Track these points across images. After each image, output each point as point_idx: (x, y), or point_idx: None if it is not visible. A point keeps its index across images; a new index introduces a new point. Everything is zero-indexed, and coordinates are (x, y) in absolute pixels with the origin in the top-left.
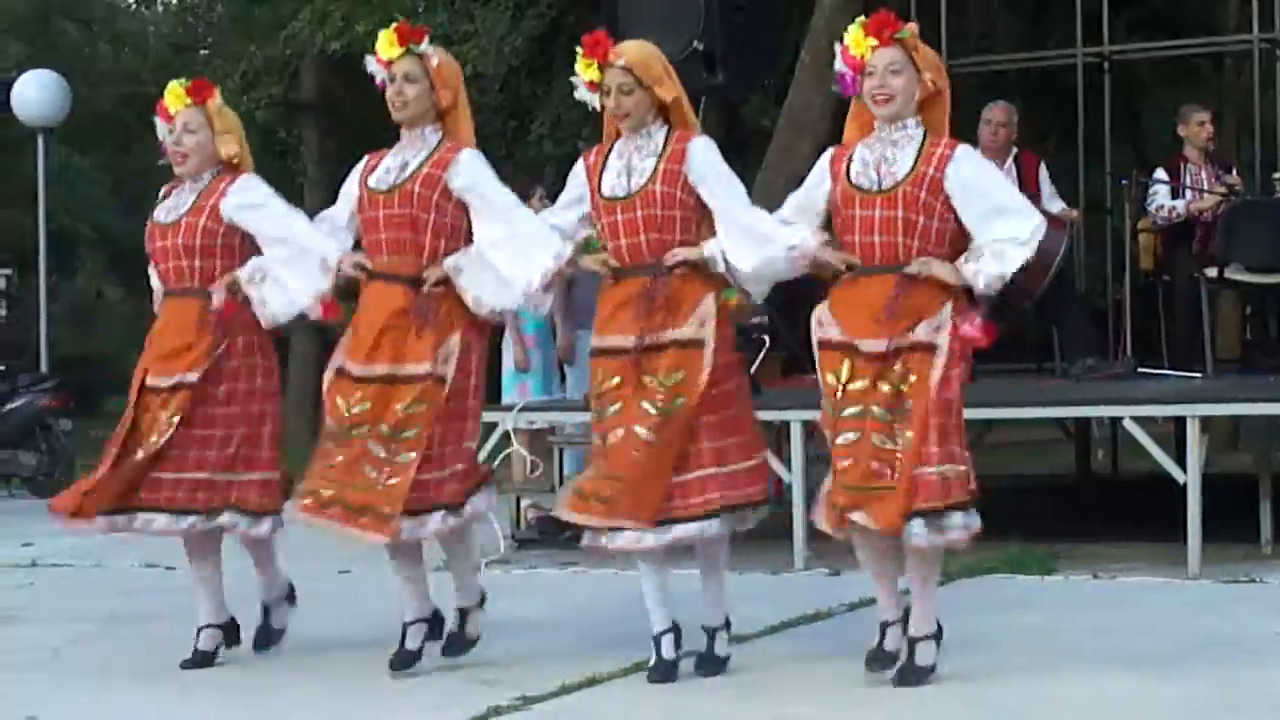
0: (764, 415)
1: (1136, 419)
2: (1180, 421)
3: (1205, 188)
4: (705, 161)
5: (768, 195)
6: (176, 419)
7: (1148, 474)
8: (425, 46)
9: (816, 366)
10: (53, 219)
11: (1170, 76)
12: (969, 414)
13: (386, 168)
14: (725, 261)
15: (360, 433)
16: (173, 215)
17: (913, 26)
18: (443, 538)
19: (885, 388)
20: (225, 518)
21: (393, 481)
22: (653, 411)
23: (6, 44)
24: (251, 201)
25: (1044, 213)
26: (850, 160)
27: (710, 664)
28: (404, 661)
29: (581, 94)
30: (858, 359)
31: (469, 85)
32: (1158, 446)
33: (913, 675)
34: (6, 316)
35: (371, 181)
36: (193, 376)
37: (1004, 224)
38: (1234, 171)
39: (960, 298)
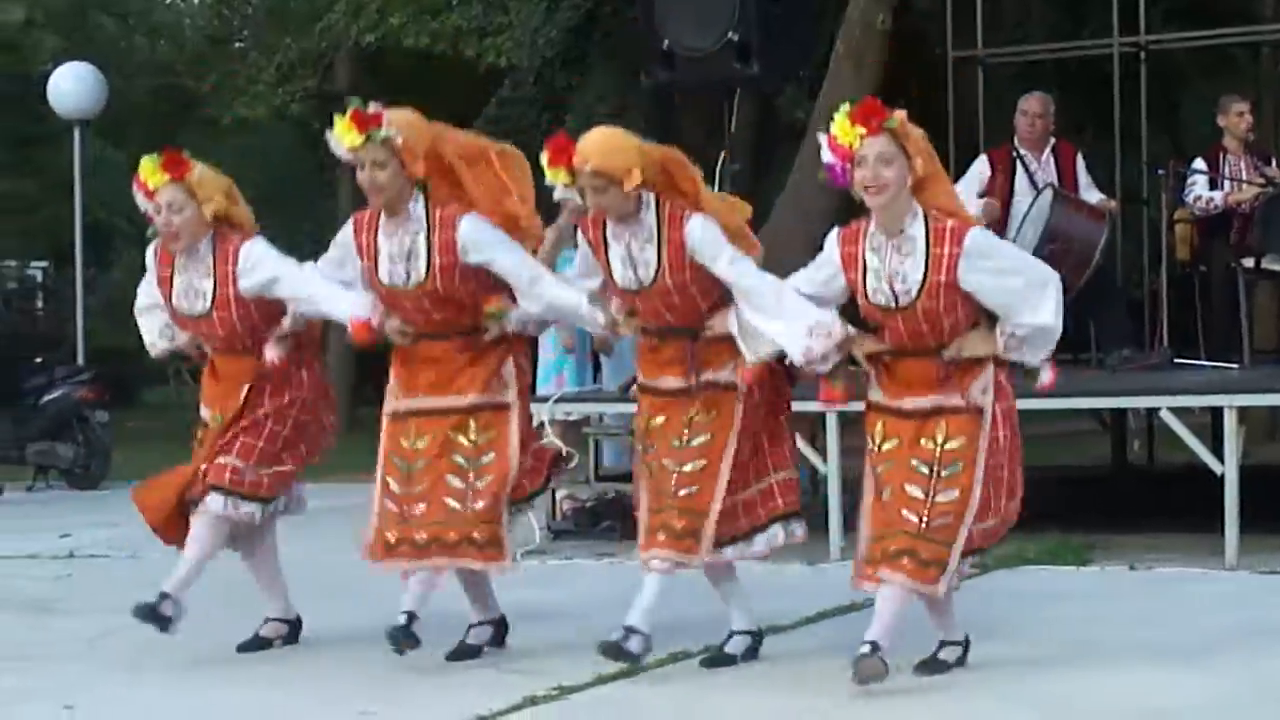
0: (800, 406)
1: (1173, 410)
2: (1217, 412)
3: (1244, 178)
4: (705, 249)
5: (798, 196)
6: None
7: (1184, 465)
8: (386, 130)
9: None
10: (89, 212)
11: (1207, 66)
12: None
13: (390, 257)
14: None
15: (424, 466)
16: (198, 306)
17: (900, 114)
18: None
19: (928, 445)
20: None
21: (479, 505)
22: (677, 444)
23: (43, 37)
24: (266, 278)
25: (1083, 202)
26: (864, 271)
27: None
28: (459, 655)
29: (560, 193)
30: (893, 418)
31: (503, 77)
32: (1194, 437)
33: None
34: (43, 309)
35: (385, 278)
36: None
37: (1029, 314)
38: (1273, 162)
39: (1001, 359)
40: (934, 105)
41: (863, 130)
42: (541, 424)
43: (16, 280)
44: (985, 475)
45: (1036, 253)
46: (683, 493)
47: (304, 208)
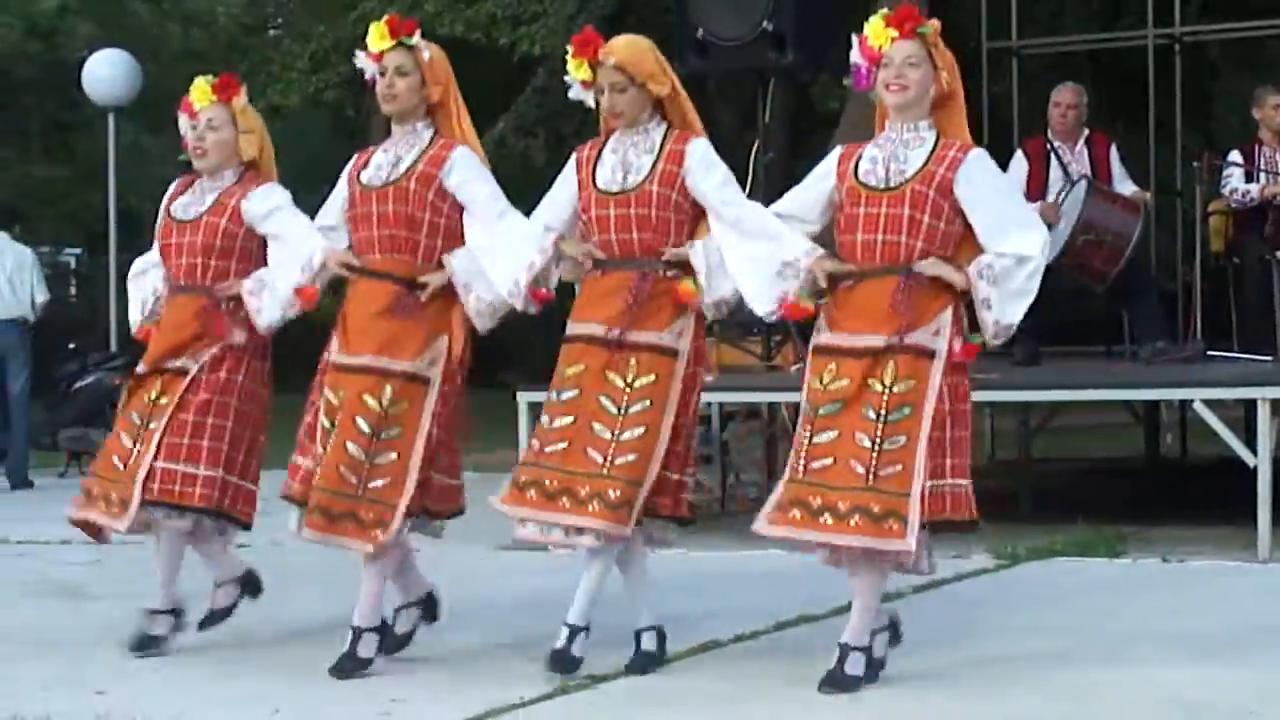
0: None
1: (1206, 402)
2: (1250, 404)
3: (1279, 171)
4: (703, 164)
5: None
6: (165, 401)
7: (1217, 457)
8: (417, 40)
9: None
10: (122, 198)
11: (1242, 58)
12: (1039, 395)
13: (378, 164)
14: (706, 264)
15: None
16: (191, 212)
17: (935, 23)
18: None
19: (876, 386)
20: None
21: (376, 484)
22: (613, 411)
23: (77, 24)
24: (272, 207)
25: (1117, 194)
26: (859, 158)
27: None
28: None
29: (576, 93)
30: (845, 358)
31: (537, 65)
32: (1227, 429)
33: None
34: (76, 296)
35: (364, 177)
36: (191, 364)
37: (1016, 238)
38: None
39: (959, 305)
40: (968, 96)
41: (894, 32)
42: None
43: (49, 266)
44: (935, 424)
45: (1070, 244)
46: (619, 461)
47: None
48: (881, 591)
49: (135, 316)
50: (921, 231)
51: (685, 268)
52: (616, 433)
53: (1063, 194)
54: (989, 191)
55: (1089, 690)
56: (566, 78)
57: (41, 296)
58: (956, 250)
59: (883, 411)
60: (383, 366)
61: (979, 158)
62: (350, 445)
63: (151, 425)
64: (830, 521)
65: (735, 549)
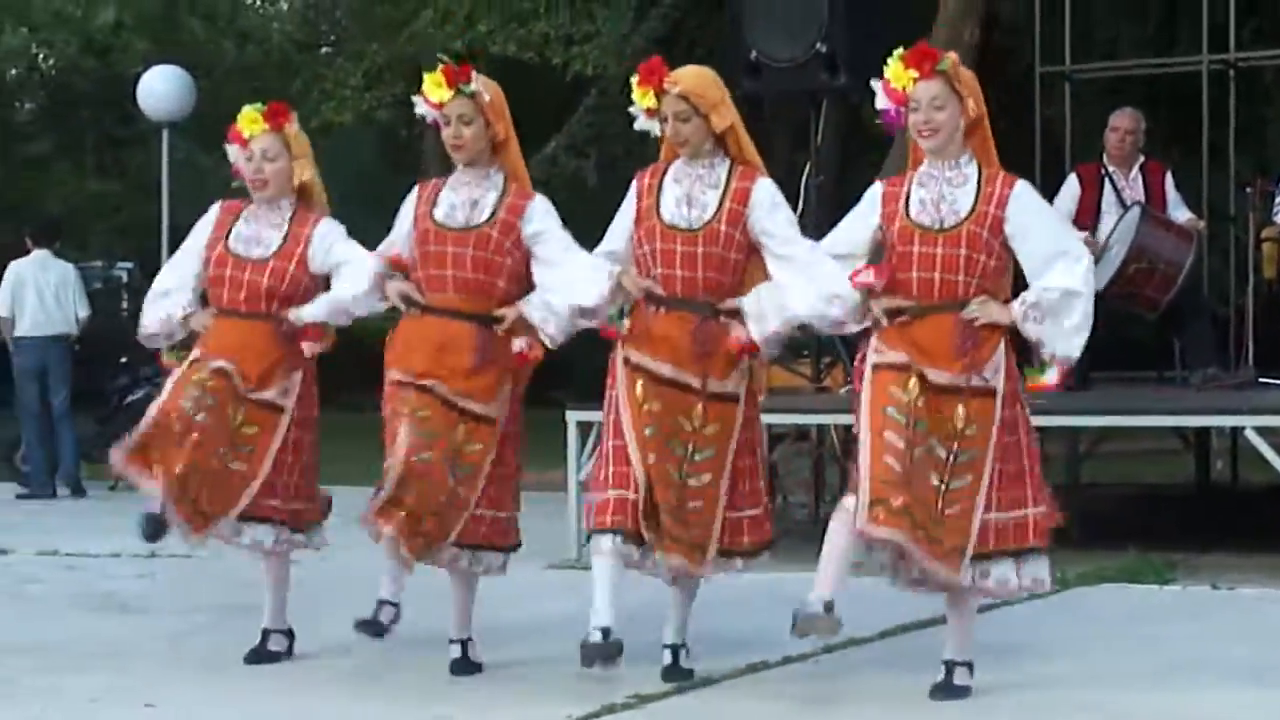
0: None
1: (1258, 429)
2: None
3: None
4: (770, 204)
5: None
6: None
7: (1268, 485)
8: (474, 85)
9: (868, 388)
10: (174, 213)
11: None
12: (1088, 420)
13: (452, 204)
14: (759, 314)
15: (430, 438)
16: (258, 252)
17: (953, 56)
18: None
19: (948, 428)
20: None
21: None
22: (680, 453)
23: (133, 39)
24: (339, 259)
25: (1171, 222)
26: (908, 197)
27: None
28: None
29: (641, 123)
30: (925, 384)
31: (589, 85)
32: (1279, 457)
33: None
34: (127, 310)
35: (439, 215)
36: (288, 401)
37: (1060, 270)
38: None
39: (1009, 339)
40: (1021, 121)
41: (915, 73)
42: None
43: (101, 281)
44: (997, 459)
45: (1121, 271)
46: (691, 505)
47: (389, 213)
48: (975, 609)
49: (159, 340)
50: (978, 270)
51: (737, 314)
52: (683, 475)
53: (1117, 221)
54: (1035, 225)
55: (1136, 715)
56: (631, 108)
57: (84, 312)
58: (1002, 280)
59: (953, 454)
60: (463, 407)
61: (1024, 192)
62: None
63: (245, 450)
64: (908, 523)
65: (783, 570)
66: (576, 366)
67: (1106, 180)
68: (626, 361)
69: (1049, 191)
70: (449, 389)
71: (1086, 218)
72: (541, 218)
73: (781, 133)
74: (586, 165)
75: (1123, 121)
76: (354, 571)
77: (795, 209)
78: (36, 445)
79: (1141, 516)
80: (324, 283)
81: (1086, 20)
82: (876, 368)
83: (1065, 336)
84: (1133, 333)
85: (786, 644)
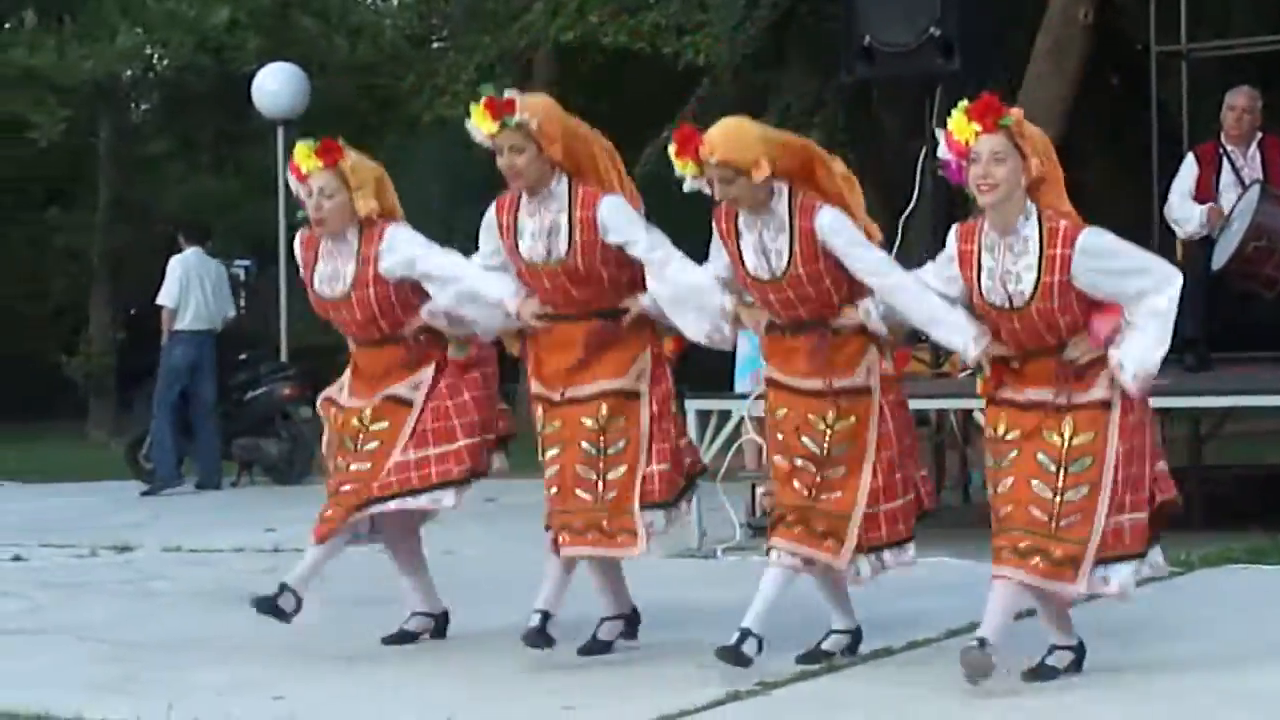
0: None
1: None
2: None
3: None
4: (839, 240)
5: None
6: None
7: None
8: (519, 116)
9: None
10: (291, 211)
11: None
12: (1210, 401)
13: (532, 233)
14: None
15: (554, 455)
16: (337, 289)
17: (1016, 112)
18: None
19: (1054, 439)
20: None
21: (610, 496)
22: (817, 451)
23: (247, 37)
24: (406, 258)
25: None
26: (978, 269)
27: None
28: (591, 650)
29: (690, 184)
30: (1019, 410)
31: (701, 75)
32: None
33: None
34: (246, 307)
35: (525, 253)
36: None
37: (1147, 303)
38: None
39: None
40: (1136, 101)
41: (978, 127)
42: (741, 419)
43: None
44: (1116, 468)
45: (1240, 250)
46: (824, 497)
47: None
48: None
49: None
50: (1060, 328)
51: (858, 327)
52: (816, 472)
53: (1236, 199)
54: (1103, 276)
55: (1262, 695)
56: (679, 174)
57: (231, 312)
58: (1089, 314)
59: (1062, 462)
60: (588, 394)
61: (1088, 244)
62: (579, 467)
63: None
64: (1011, 558)
65: None
66: (694, 356)
67: (1224, 159)
68: (767, 380)
69: (1166, 172)
70: (573, 389)
71: (1205, 197)
72: (617, 225)
73: (894, 118)
74: None
75: (1240, 100)
76: (482, 569)
77: (912, 195)
78: (169, 439)
79: (1265, 497)
80: (416, 287)
81: None
82: (989, 402)
83: (1146, 352)
84: (1253, 313)
85: (910, 630)
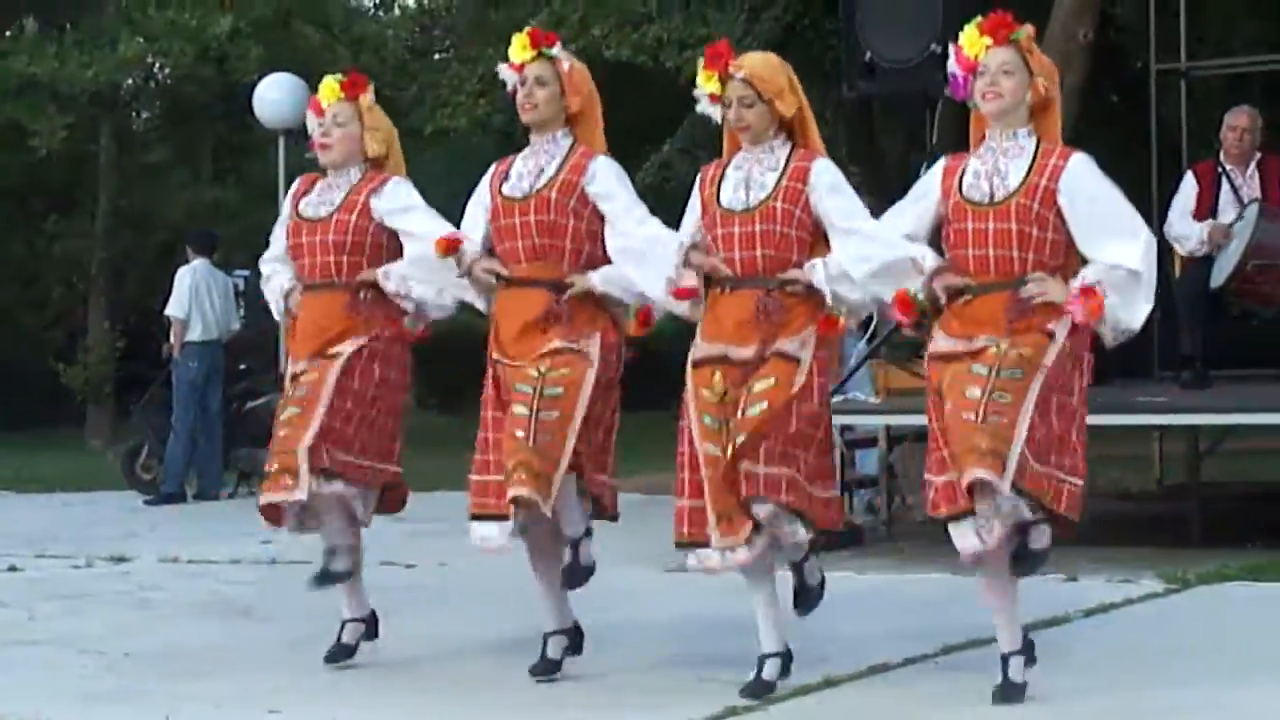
0: None
1: None
2: None
3: None
4: (828, 183)
5: None
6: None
7: None
8: (557, 50)
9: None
10: None
11: None
12: (1208, 419)
13: (519, 173)
14: (831, 291)
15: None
16: (322, 210)
17: (1029, 28)
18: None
19: (991, 350)
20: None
21: (544, 438)
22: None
23: (248, 47)
24: (403, 205)
25: None
26: (963, 172)
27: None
28: (546, 670)
29: (703, 107)
30: (965, 358)
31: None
32: None
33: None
34: (245, 317)
35: (506, 189)
36: (347, 348)
37: (1115, 247)
38: None
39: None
40: (1136, 119)
41: (989, 40)
42: None
43: None
44: (1043, 397)
45: (1240, 268)
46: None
47: None
48: (1015, 592)
49: (278, 317)
50: (1031, 244)
51: (808, 288)
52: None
53: (1235, 218)
54: (1088, 198)
55: (1260, 714)
56: (695, 91)
57: (236, 323)
58: (1067, 255)
59: (996, 367)
60: (542, 352)
61: (1080, 163)
62: (516, 407)
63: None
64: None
65: (902, 572)
66: (654, 372)
67: (1224, 178)
68: (697, 360)
69: (1165, 190)
70: (528, 360)
71: (1204, 216)
72: (605, 177)
73: (895, 134)
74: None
75: (1240, 120)
76: (475, 578)
77: None
78: (185, 451)
79: (1263, 514)
80: (395, 239)
81: (1202, 17)
82: (930, 358)
83: (1127, 310)
84: (1252, 330)
85: (906, 645)
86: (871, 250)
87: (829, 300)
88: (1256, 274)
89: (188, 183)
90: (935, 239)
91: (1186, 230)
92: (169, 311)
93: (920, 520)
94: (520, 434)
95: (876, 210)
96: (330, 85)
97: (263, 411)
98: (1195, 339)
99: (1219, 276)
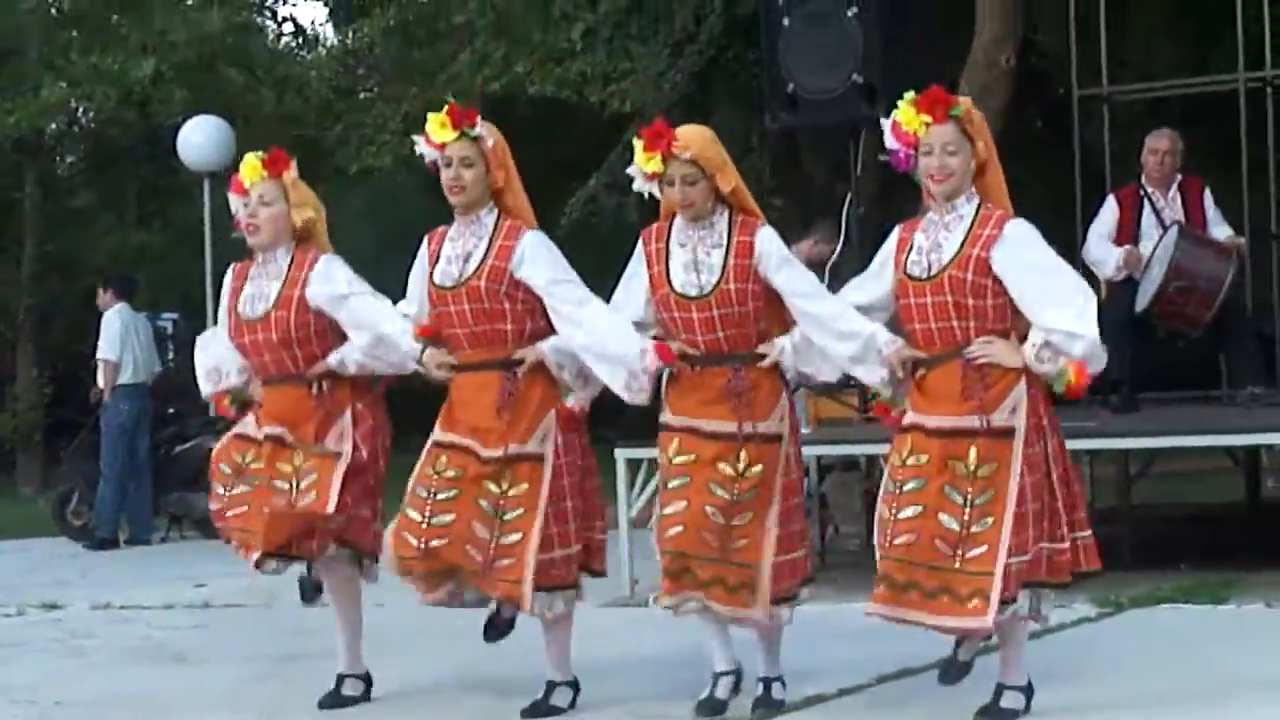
0: None
1: None
2: None
3: None
4: (774, 255)
5: None
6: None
7: None
8: (479, 130)
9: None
10: (219, 263)
11: None
12: (1137, 443)
13: (448, 258)
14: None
15: (448, 499)
16: (259, 308)
17: (966, 101)
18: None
19: (960, 469)
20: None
21: (505, 563)
22: (726, 497)
23: (171, 90)
24: (338, 293)
25: (1210, 239)
26: (910, 248)
27: (769, 706)
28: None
29: (640, 185)
30: (926, 436)
31: (628, 122)
32: None
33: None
34: (173, 360)
35: (437, 278)
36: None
37: (1053, 314)
38: None
39: (1030, 375)
40: (1060, 144)
41: (929, 118)
42: None
43: None
44: (1019, 500)
45: (1162, 290)
46: (734, 546)
47: None
48: (1024, 637)
49: (206, 387)
50: (970, 313)
51: (771, 368)
52: (728, 520)
53: (1156, 241)
54: (1024, 268)
55: None
56: (630, 170)
57: (158, 366)
58: (1014, 317)
59: (969, 495)
60: (499, 456)
61: (1015, 231)
62: (476, 525)
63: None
64: (915, 598)
65: (836, 602)
66: (625, 404)
67: (1145, 201)
68: (664, 426)
69: (1089, 214)
70: (480, 442)
71: (1126, 240)
72: (533, 259)
73: (820, 165)
74: (627, 202)
75: (1160, 143)
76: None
77: (839, 240)
78: (115, 496)
79: (1193, 537)
80: (335, 325)
81: (1122, 43)
82: (897, 431)
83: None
84: (1178, 353)
85: (841, 676)
86: (833, 339)
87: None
88: (1179, 296)
89: (113, 227)
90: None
91: (1103, 255)
92: (101, 355)
93: (852, 548)
94: (477, 556)
95: (801, 239)
96: (252, 164)
97: (192, 454)
98: (1123, 363)
99: (1143, 299)
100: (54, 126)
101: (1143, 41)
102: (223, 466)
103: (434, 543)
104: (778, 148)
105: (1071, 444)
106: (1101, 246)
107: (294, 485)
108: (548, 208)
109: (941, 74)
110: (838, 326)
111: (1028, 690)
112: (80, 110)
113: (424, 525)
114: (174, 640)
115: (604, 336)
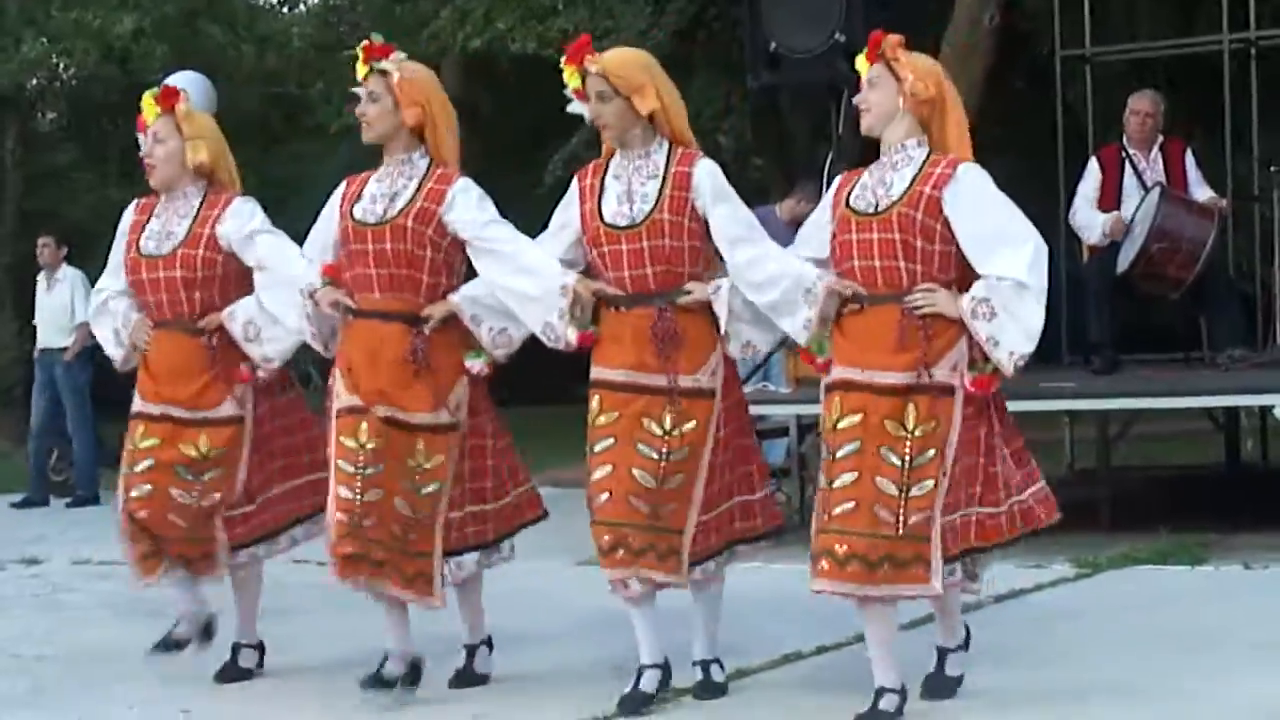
0: None
1: None
2: None
3: None
4: (712, 188)
5: None
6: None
7: None
8: (387, 63)
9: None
10: None
11: None
12: (1117, 404)
13: (373, 196)
14: (729, 309)
15: (375, 472)
16: (166, 245)
17: (894, 38)
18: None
19: (897, 430)
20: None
21: (415, 539)
22: (655, 456)
23: (152, 47)
24: (250, 230)
25: (1192, 201)
26: (854, 185)
27: (711, 690)
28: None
29: (574, 106)
30: (858, 393)
31: None
32: None
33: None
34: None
35: (357, 213)
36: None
37: (1002, 257)
38: None
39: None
40: (1042, 104)
41: (866, 61)
42: None
43: None
44: (955, 458)
45: (1144, 251)
46: (663, 510)
47: None
48: (960, 602)
49: (114, 352)
50: (918, 256)
51: (705, 305)
52: (659, 480)
53: (1139, 203)
54: (975, 207)
55: (1171, 698)
56: (565, 91)
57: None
58: (960, 268)
59: (908, 456)
60: (404, 420)
61: (967, 172)
62: (398, 501)
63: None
64: (858, 570)
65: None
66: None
67: (1127, 163)
68: (591, 383)
69: (1072, 175)
70: (393, 407)
71: (1109, 201)
72: (464, 204)
73: (802, 124)
74: None
75: (1142, 104)
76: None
77: (820, 198)
78: (94, 455)
79: (1172, 498)
80: (246, 271)
81: (1105, 4)
82: (825, 388)
83: (1020, 332)
84: (1159, 315)
85: (819, 634)
86: (766, 277)
87: (724, 330)
88: (1160, 257)
89: (95, 184)
90: None
91: (1090, 220)
92: (82, 316)
93: None
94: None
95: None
96: (148, 102)
97: None
98: (1104, 324)
99: (1124, 261)
100: (35, 82)
101: (1126, 2)
102: (127, 444)
103: (365, 522)
104: (759, 107)
105: (1052, 405)
106: (1087, 211)
107: (197, 476)
108: (530, 166)
109: (924, 33)
110: (751, 276)
111: (965, 643)
112: (61, 66)
113: (357, 503)
114: (152, 596)
115: (534, 270)
